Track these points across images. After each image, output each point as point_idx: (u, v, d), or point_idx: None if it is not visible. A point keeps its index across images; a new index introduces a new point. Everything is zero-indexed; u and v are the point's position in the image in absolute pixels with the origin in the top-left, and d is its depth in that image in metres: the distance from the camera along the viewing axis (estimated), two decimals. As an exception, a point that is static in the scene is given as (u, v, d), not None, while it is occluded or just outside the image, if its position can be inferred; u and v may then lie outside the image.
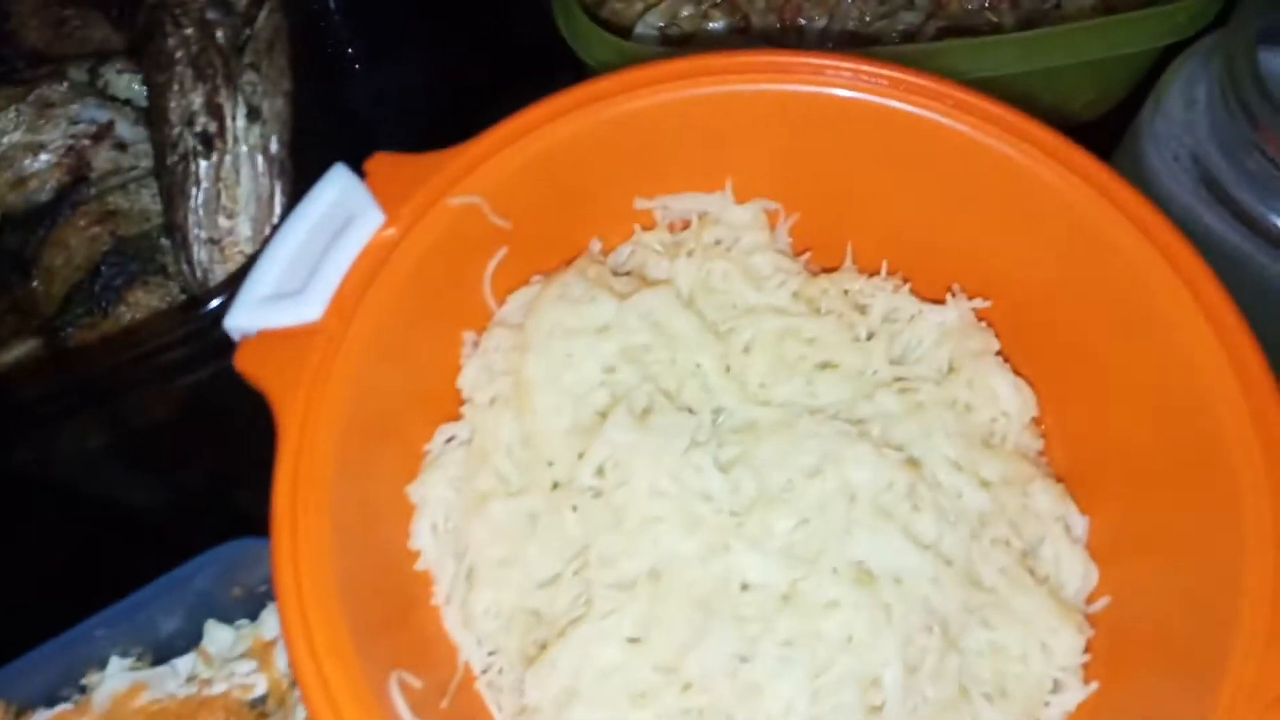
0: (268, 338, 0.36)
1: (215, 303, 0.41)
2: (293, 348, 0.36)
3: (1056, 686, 0.37)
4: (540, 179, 0.41)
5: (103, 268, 0.45)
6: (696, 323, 0.41)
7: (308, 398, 0.36)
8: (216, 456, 0.47)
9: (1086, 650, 0.37)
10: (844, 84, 0.40)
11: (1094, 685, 0.37)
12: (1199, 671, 0.33)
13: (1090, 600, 0.38)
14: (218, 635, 0.40)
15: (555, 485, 0.39)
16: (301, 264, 0.37)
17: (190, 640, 0.41)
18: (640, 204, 0.45)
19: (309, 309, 0.37)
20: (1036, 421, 0.42)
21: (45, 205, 0.46)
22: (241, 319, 0.36)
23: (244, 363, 0.36)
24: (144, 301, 0.45)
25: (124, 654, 0.40)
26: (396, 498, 0.40)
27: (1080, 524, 0.40)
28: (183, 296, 0.45)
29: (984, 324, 0.43)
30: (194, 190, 0.42)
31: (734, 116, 0.42)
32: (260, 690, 0.41)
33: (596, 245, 0.45)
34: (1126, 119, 0.50)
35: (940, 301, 0.43)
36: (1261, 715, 0.31)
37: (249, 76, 0.44)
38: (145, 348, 0.40)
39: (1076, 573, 0.38)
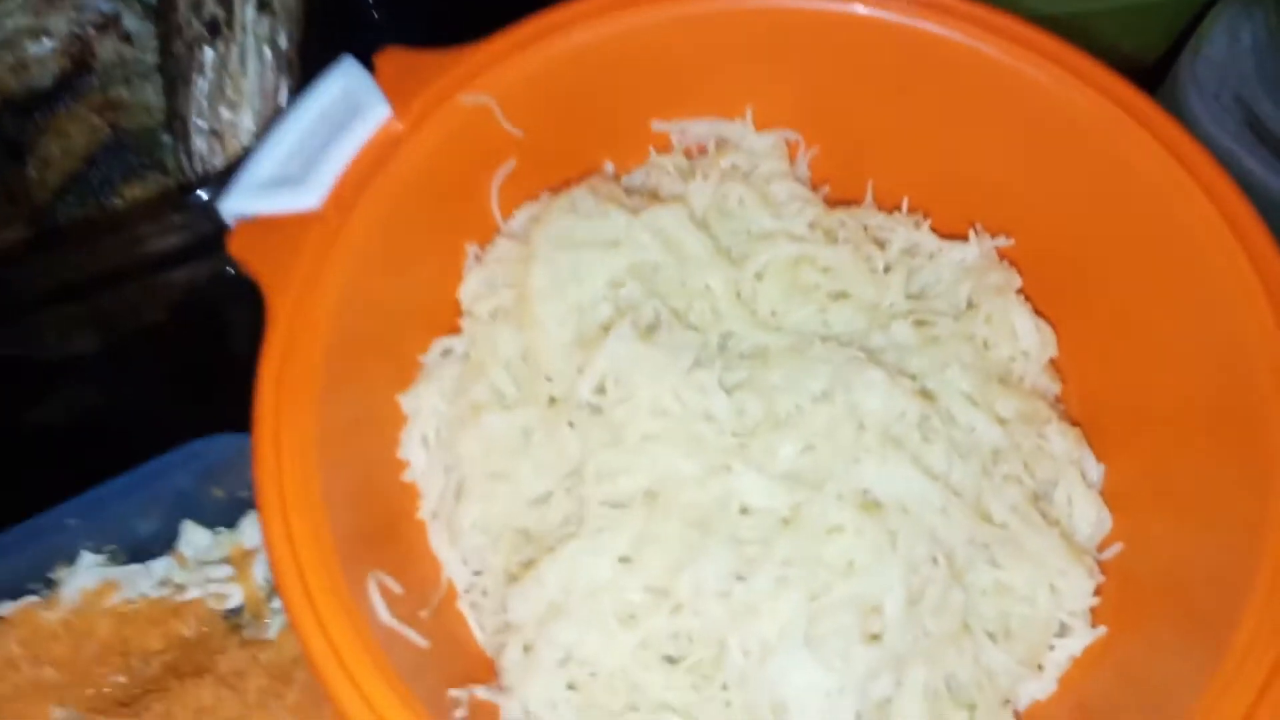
0: (264, 223, 0.35)
1: (209, 191, 0.39)
2: (289, 235, 0.35)
3: (1063, 630, 0.35)
4: (555, 87, 0.40)
5: (100, 159, 0.43)
6: (709, 244, 0.40)
7: (300, 288, 0.34)
8: (205, 359, 0.45)
9: (1096, 595, 0.36)
10: (868, 2, 0.39)
11: (1101, 630, 0.35)
12: (1209, 625, 0.32)
13: (1102, 547, 0.37)
14: (194, 537, 0.39)
15: (552, 401, 0.38)
16: (303, 152, 0.36)
17: (167, 545, 0.40)
18: (658, 126, 0.44)
19: (308, 197, 0.35)
20: (1055, 364, 0.41)
21: (46, 92, 0.45)
22: (238, 203, 0.35)
23: (238, 247, 0.35)
24: (140, 197, 0.43)
25: (96, 550, 0.38)
26: (387, 405, 0.38)
27: (1096, 470, 0.38)
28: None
29: (1005, 263, 0.42)
30: (198, 78, 0.41)
31: (756, 35, 0.41)
32: (235, 601, 0.40)
33: (610, 167, 0.44)
34: (1164, 71, 0.48)
35: (962, 238, 0.42)
36: (1269, 676, 0.30)
37: (261, -33, 0.43)
38: (134, 232, 0.39)
39: (1089, 518, 0.37)
